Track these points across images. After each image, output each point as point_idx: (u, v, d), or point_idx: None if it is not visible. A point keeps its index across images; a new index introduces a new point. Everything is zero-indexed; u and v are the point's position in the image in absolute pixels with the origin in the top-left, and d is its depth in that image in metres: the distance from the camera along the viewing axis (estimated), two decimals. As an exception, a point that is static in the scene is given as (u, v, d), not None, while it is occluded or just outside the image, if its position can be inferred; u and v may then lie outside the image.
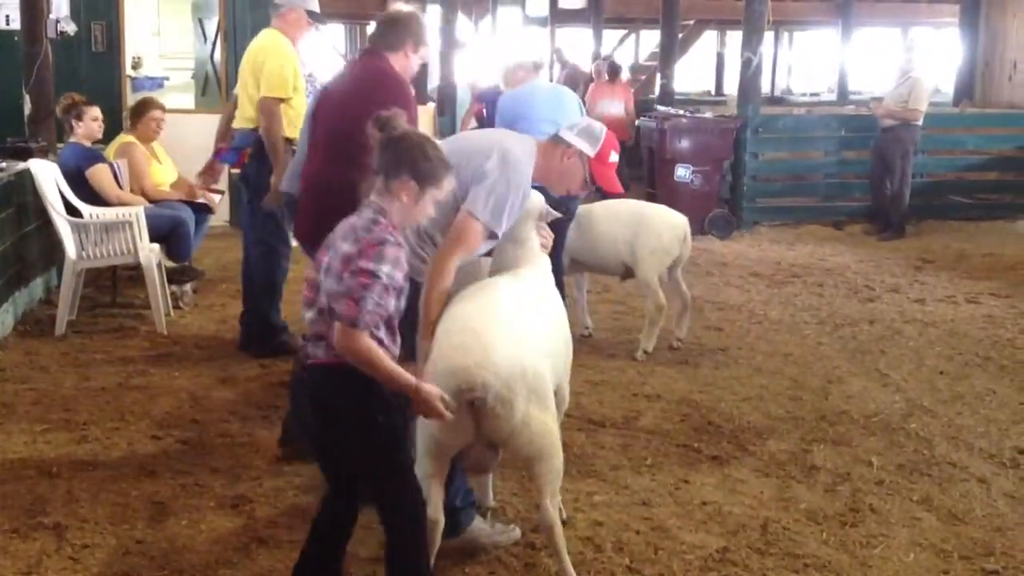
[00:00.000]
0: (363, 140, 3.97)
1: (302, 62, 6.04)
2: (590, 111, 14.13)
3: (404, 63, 4.37)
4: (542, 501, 3.33)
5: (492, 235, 3.60)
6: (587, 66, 17.26)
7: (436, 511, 3.27)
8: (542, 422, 3.28)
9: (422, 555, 3.11)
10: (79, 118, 7.09)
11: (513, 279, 3.69)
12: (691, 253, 9.51)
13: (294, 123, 5.72)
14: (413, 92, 4.38)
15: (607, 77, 14.11)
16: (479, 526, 3.74)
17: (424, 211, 3.08)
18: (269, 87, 5.81)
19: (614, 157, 3.92)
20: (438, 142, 3.18)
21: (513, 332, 3.33)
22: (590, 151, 3.84)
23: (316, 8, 6.14)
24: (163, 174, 7.56)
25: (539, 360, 3.33)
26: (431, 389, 2.99)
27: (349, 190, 4.00)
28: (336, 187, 4.06)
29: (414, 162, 2.99)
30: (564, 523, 3.90)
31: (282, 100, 5.80)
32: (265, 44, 5.93)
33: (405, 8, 4.44)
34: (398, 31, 4.36)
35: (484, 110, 10.14)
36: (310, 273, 3.04)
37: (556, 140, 3.88)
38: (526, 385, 3.22)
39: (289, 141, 5.71)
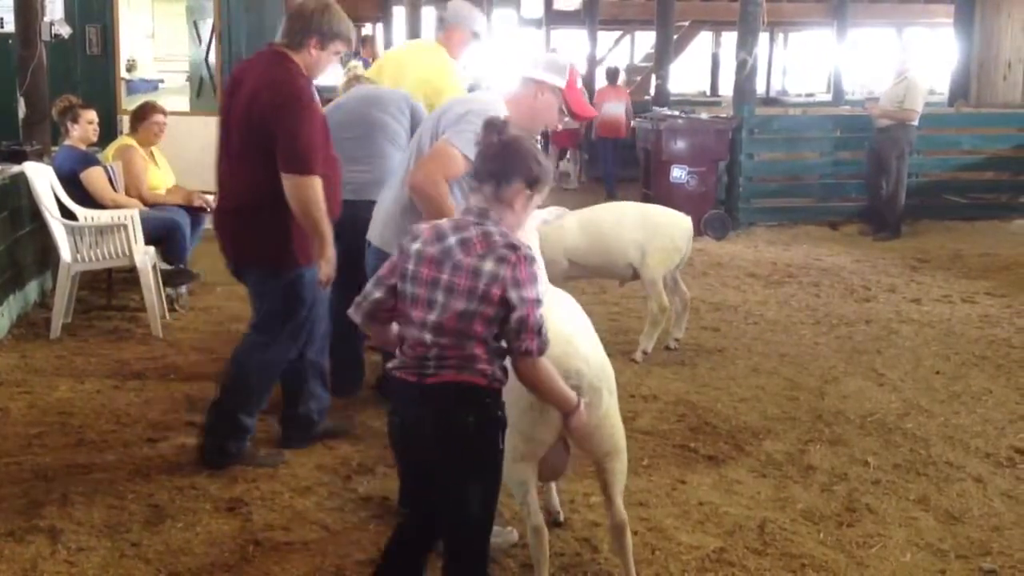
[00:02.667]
0: (269, 145, 4.00)
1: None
2: (599, 110, 14.22)
3: (309, 60, 4.25)
4: (616, 499, 3.32)
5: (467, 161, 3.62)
6: (582, 68, 17.33)
7: (539, 518, 3.27)
8: (618, 417, 3.32)
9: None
10: (75, 121, 7.09)
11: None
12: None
13: None
14: (313, 94, 4.24)
15: (607, 81, 14.20)
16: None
17: (528, 218, 3.04)
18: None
19: (579, 83, 3.99)
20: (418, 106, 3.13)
21: (583, 328, 3.40)
22: (561, 82, 3.89)
23: (482, 30, 6.10)
24: (160, 178, 7.55)
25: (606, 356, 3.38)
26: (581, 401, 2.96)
27: (269, 199, 4.06)
28: (255, 199, 4.20)
29: (528, 168, 2.86)
30: (560, 524, 3.91)
31: None
32: (436, 64, 5.84)
33: (313, 1, 4.33)
34: (300, 26, 4.24)
35: None
36: (421, 292, 2.81)
37: (525, 81, 3.91)
38: (607, 378, 3.26)
39: None
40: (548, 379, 2.84)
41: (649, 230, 6.18)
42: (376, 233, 4.14)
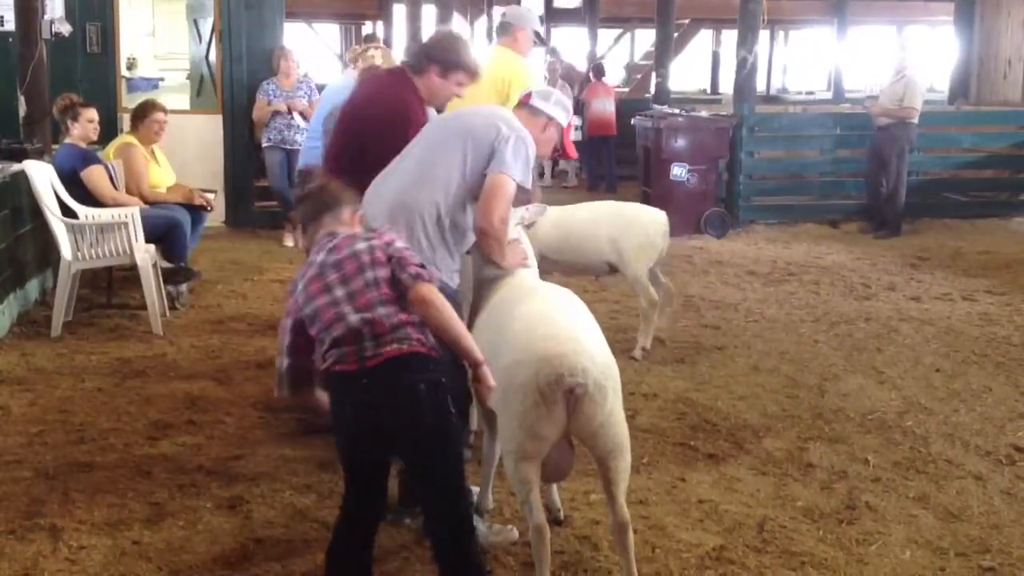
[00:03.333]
0: (369, 159, 4.08)
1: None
2: (588, 107, 14.25)
3: (429, 84, 4.32)
4: (619, 498, 3.33)
5: (520, 189, 3.83)
6: (583, 66, 17.34)
7: (541, 517, 3.28)
8: (622, 416, 3.33)
9: (474, 551, 3.18)
10: (75, 119, 7.09)
11: (541, 281, 3.85)
12: (687, 252, 9.62)
13: None
14: (425, 114, 4.33)
15: (593, 77, 14.26)
16: (477, 527, 3.74)
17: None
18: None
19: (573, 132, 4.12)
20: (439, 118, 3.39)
21: (588, 327, 3.42)
22: (565, 120, 4.08)
23: (540, 28, 6.40)
24: (161, 176, 7.55)
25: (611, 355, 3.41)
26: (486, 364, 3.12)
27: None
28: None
29: (350, 197, 3.40)
30: (561, 522, 3.91)
31: None
32: (511, 64, 5.98)
33: (446, 30, 4.48)
34: (424, 53, 4.35)
35: None
36: (321, 300, 3.12)
37: (535, 112, 4.04)
38: (612, 376, 3.28)
39: None
40: (444, 308, 3.08)
41: (622, 227, 6.17)
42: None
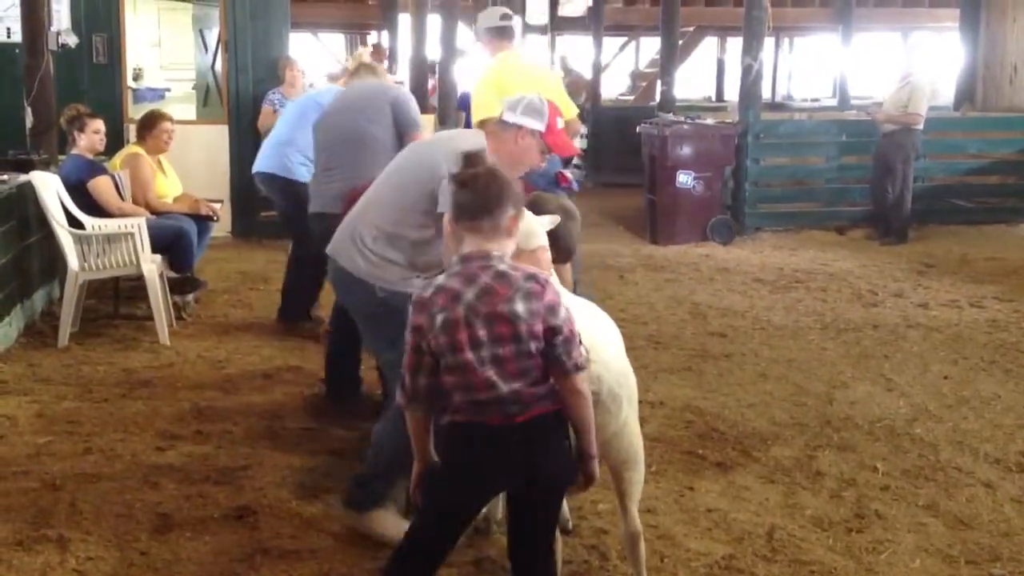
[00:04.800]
0: None
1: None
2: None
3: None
4: (631, 509, 3.33)
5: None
6: (588, 74, 17.36)
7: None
8: (637, 427, 3.32)
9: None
10: (81, 130, 7.10)
11: (563, 289, 3.74)
12: (694, 259, 9.61)
13: None
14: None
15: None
16: (386, 513, 3.83)
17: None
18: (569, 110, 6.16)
19: (560, 123, 3.99)
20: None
21: (606, 335, 3.40)
22: (539, 126, 3.88)
23: (493, 23, 6.38)
24: (167, 186, 7.56)
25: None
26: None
27: None
28: None
29: (513, 191, 2.86)
30: (569, 532, 3.90)
31: None
32: (536, 67, 6.19)
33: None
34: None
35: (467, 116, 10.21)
36: (467, 356, 2.75)
37: (504, 125, 3.92)
38: (628, 385, 3.26)
39: None
40: (589, 400, 2.89)
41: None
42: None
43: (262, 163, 6.97)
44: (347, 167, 5.33)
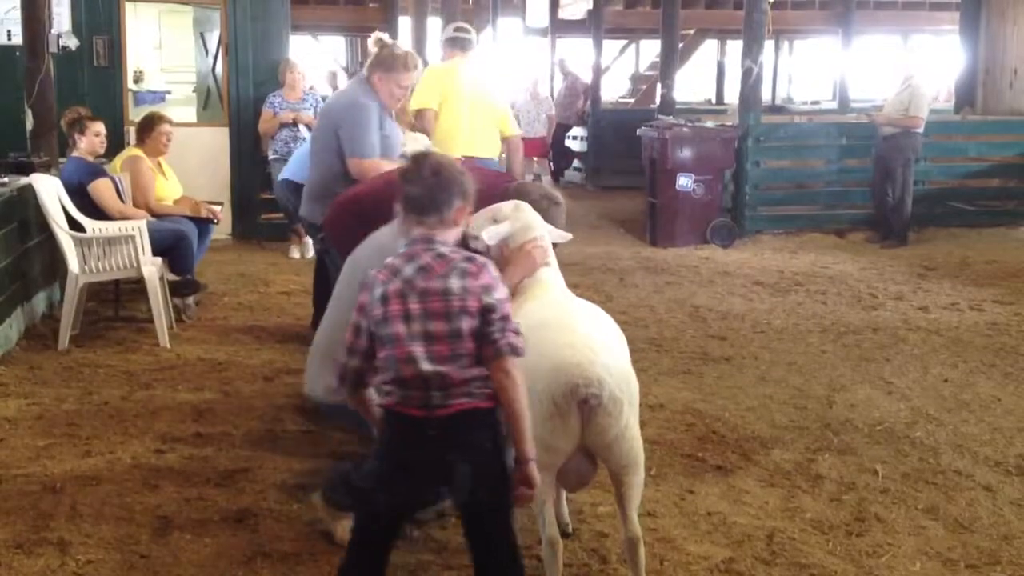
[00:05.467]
0: None
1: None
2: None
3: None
4: (631, 514, 3.32)
5: None
6: (587, 77, 17.37)
7: (555, 530, 3.28)
8: (638, 431, 3.31)
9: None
10: (82, 133, 7.12)
11: (566, 289, 3.78)
12: (694, 262, 9.61)
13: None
14: None
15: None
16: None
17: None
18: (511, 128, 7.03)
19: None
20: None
21: (609, 339, 3.39)
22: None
23: (451, 34, 7.22)
24: (168, 189, 7.57)
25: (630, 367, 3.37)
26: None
27: None
28: None
29: (461, 186, 2.91)
30: (569, 535, 3.90)
31: None
32: (483, 79, 6.74)
33: None
34: None
35: None
36: (398, 328, 2.78)
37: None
38: (630, 389, 3.26)
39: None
40: (522, 386, 2.80)
41: None
42: None
43: (292, 172, 7.23)
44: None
